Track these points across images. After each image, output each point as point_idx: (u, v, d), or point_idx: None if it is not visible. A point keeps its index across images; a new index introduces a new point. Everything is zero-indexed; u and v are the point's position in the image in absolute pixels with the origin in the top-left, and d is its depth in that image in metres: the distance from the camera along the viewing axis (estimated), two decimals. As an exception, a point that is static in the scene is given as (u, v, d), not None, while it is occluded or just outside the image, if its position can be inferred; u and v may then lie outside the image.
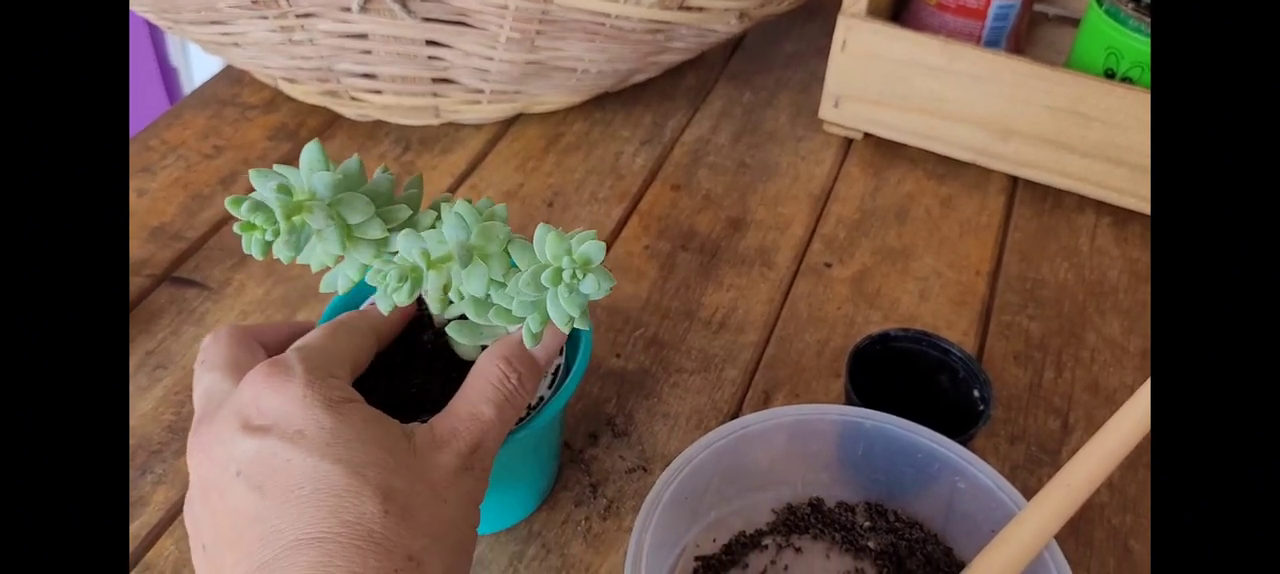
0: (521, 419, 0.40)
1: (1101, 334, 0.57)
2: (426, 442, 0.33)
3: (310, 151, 0.34)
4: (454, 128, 0.69)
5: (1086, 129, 0.61)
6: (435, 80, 0.65)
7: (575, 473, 0.48)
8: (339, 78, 0.65)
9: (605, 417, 0.51)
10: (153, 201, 0.62)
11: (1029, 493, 0.45)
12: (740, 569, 0.44)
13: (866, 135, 0.70)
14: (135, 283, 0.56)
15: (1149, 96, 0.58)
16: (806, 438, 0.45)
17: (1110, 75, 0.62)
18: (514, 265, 0.35)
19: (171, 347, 0.53)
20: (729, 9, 0.63)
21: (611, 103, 0.72)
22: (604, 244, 0.33)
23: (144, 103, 1.39)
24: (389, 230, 0.35)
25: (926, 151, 0.68)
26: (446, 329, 0.38)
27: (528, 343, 0.36)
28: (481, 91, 0.66)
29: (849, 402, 0.46)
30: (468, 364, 0.40)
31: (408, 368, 0.40)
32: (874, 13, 0.64)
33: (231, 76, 0.72)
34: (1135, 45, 0.61)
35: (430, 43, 0.61)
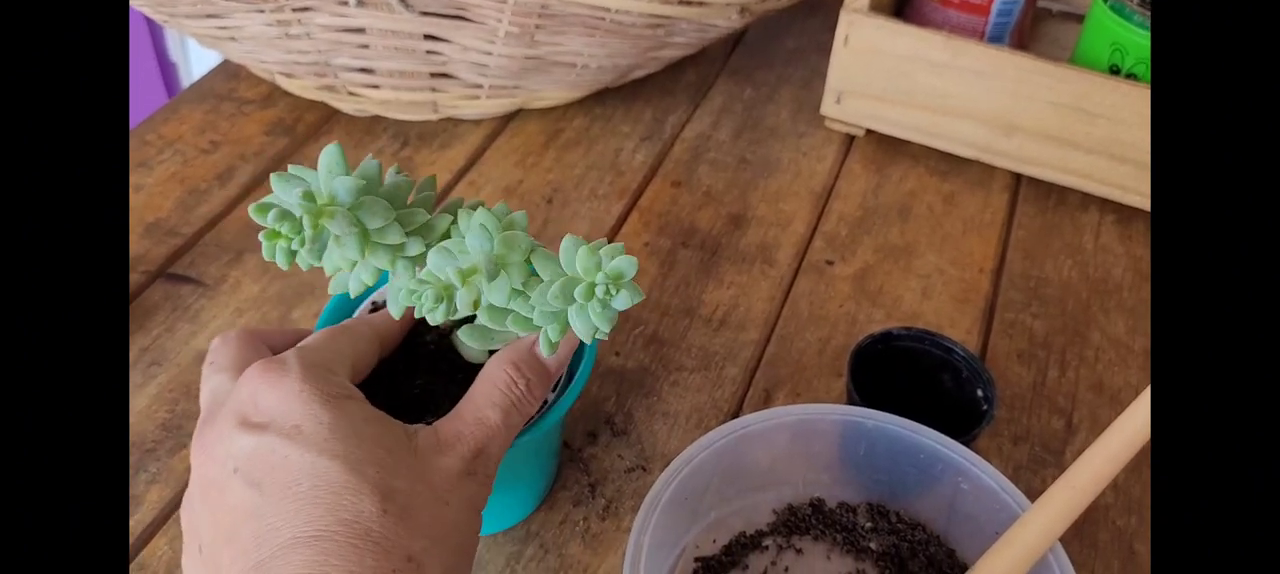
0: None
1: (1106, 333, 0.56)
2: (430, 444, 0.33)
3: (330, 155, 0.33)
4: (452, 123, 0.68)
5: (1091, 126, 0.61)
6: (433, 75, 0.64)
7: (574, 472, 0.48)
8: (336, 72, 0.64)
9: (604, 415, 0.50)
10: (148, 197, 0.61)
11: (1033, 493, 0.44)
12: (740, 570, 0.43)
13: (869, 131, 0.69)
14: (131, 279, 0.55)
15: (1154, 93, 0.57)
16: (808, 438, 0.44)
17: (1115, 71, 0.62)
18: (534, 273, 0.34)
19: (166, 344, 0.52)
20: (730, 4, 0.62)
21: (611, 98, 0.71)
22: (636, 260, 0.33)
23: (143, 97, 1.39)
24: (407, 235, 0.35)
25: (929, 148, 0.67)
26: (457, 333, 0.38)
27: (545, 352, 0.35)
28: (480, 86, 0.65)
29: (851, 401, 0.46)
30: (471, 366, 0.39)
31: (410, 369, 0.40)
32: (877, 8, 0.64)
33: (228, 71, 0.72)
34: (1140, 41, 0.60)
35: (428, 37, 0.61)
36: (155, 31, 1.39)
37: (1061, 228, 0.63)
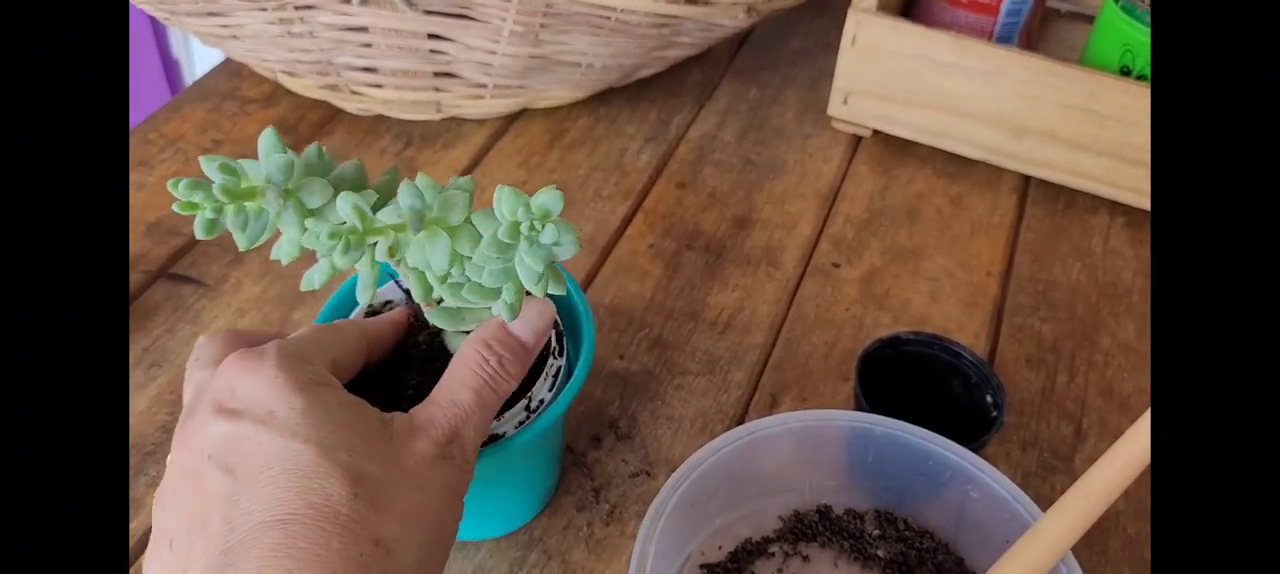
0: (521, 422, 0.39)
1: (1115, 337, 0.56)
2: (404, 429, 0.33)
3: (266, 138, 0.33)
4: (456, 123, 0.68)
5: (1101, 127, 0.60)
6: (437, 74, 0.64)
7: (577, 477, 0.47)
8: (339, 71, 0.64)
9: (608, 419, 0.50)
10: (150, 196, 0.61)
11: (1041, 500, 0.44)
12: (746, 578, 0.43)
13: (876, 132, 0.68)
14: (131, 279, 0.55)
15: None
16: (815, 444, 0.43)
17: (1125, 73, 0.61)
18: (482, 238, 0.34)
19: (167, 344, 0.52)
20: (736, 3, 0.62)
21: (616, 98, 0.70)
22: (561, 194, 0.32)
23: (146, 95, 1.38)
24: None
25: (937, 149, 0.67)
26: (429, 317, 0.37)
27: (506, 317, 0.35)
28: (484, 86, 0.65)
29: (858, 406, 0.45)
30: None
31: (403, 369, 0.39)
32: (884, 8, 0.63)
33: (231, 69, 0.71)
34: (1151, 42, 0.60)
35: (432, 36, 0.60)
36: (159, 29, 1.38)
37: (1071, 231, 0.62)
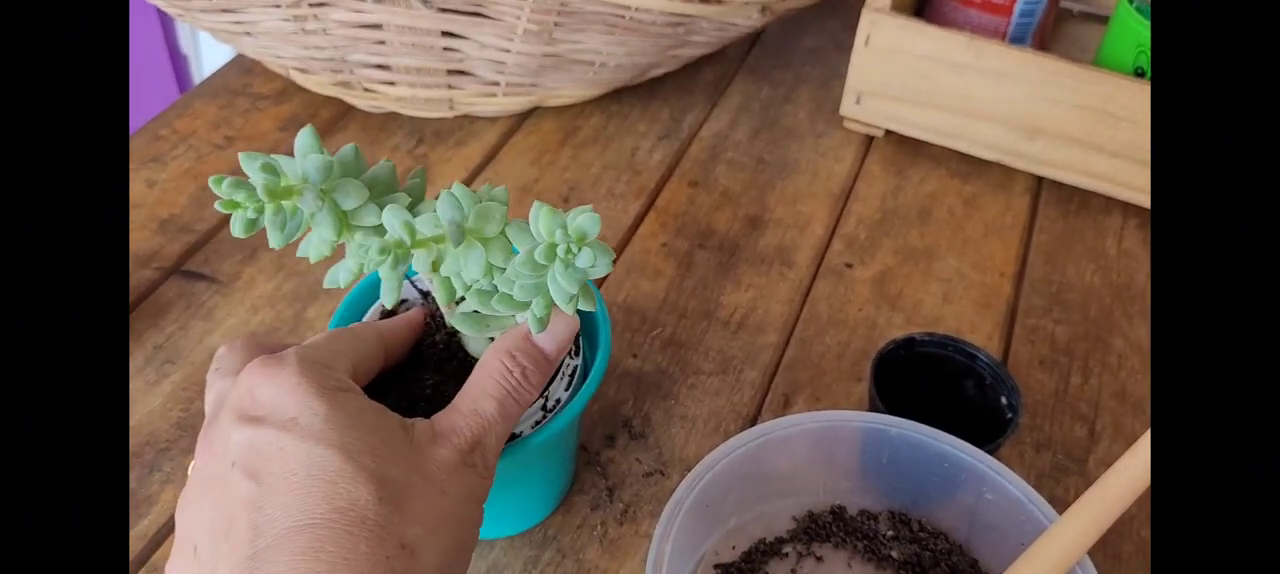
0: (538, 421, 0.39)
1: (1129, 339, 0.55)
2: (426, 435, 0.33)
3: (304, 137, 0.33)
4: (468, 120, 0.68)
5: (1115, 129, 0.60)
6: (450, 72, 0.64)
7: (591, 476, 0.47)
8: (352, 69, 0.64)
9: (622, 418, 0.50)
10: (162, 192, 0.61)
11: (1055, 502, 0.44)
12: (760, 578, 0.43)
13: (888, 132, 0.68)
14: (144, 276, 0.55)
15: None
16: (830, 444, 0.43)
17: (1140, 74, 0.61)
18: (515, 251, 0.34)
19: (180, 341, 0.52)
20: (750, 2, 0.62)
21: (629, 97, 0.70)
22: (598, 216, 0.32)
23: (154, 90, 1.38)
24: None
25: (950, 150, 0.66)
26: (452, 321, 0.37)
27: (534, 329, 0.35)
28: (497, 84, 0.65)
29: (873, 407, 0.45)
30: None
31: (419, 369, 0.39)
32: (898, 7, 0.63)
33: (243, 66, 0.71)
34: (1166, 44, 0.59)
35: (446, 33, 0.60)
36: (166, 23, 1.39)
37: (1084, 232, 0.62)
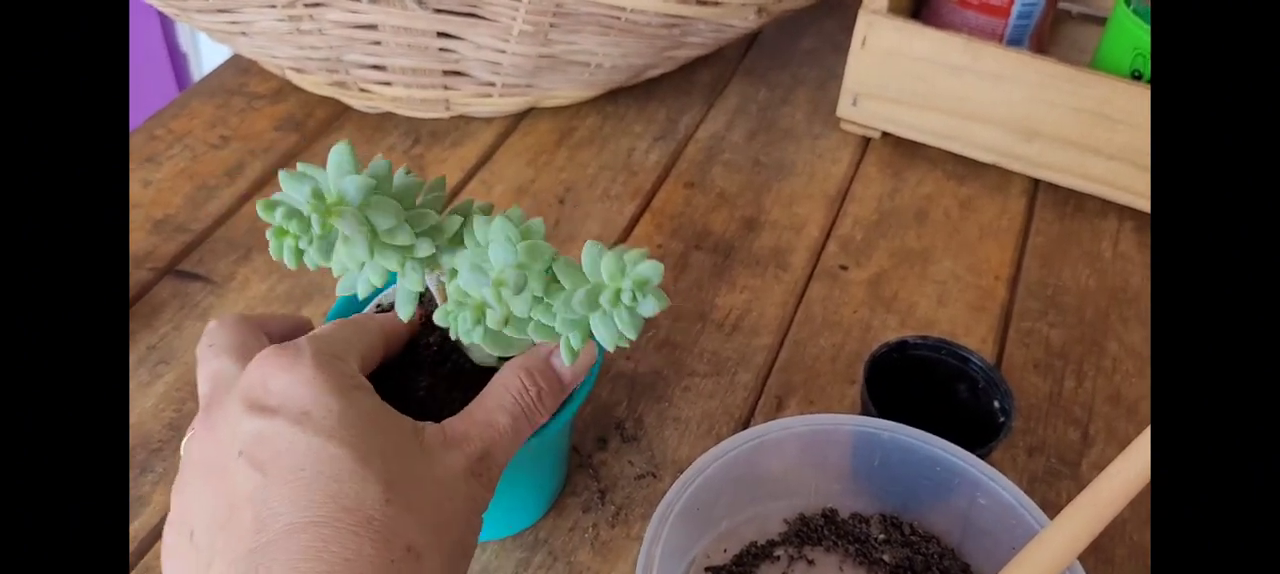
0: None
1: (1124, 343, 0.55)
2: (436, 440, 0.33)
3: (340, 153, 0.33)
4: (464, 121, 0.68)
5: (1112, 132, 0.60)
6: (446, 72, 0.64)
7: (583, 478, 0.47)
8: (348, 69, 0.64)
9: (615, 420, 0.50)
10: (157, 192, 0.61)
11: (1047, 506, 0.44)
12: (751, 581, 0.43)
13: (885, 134, 0.68)
14: (138, 276, 0.55)
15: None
16: (822, 448, 0.43)
17: (1137, 77, 0.61)
18: (554, 279, 0.34)
19: (174, 342, 0.52)
20: (747, 4, 0.62)
21: (625, 98, 0.70)
22: (661, 266, 0.32)
23: (153, 89, 1.38)
24: (416, 236, 0.34)
25: (946, 152, 0.66)
26: (473, 337, 0.37)
27: (566, 360, 0.35)
28: (493, 84, 0.65)
29: (865, 410, 0.45)
30: (476, 368, 0.39)
31: (414, 370, 0.39)
32: (895, 9, 0.63)
33: (239, 65, 0.71)
34: (1163, 46, 0.59)
35: (441, 34, 0.60)
36: (166, 22, 1.39)
37: (1080, 235, 0.62)
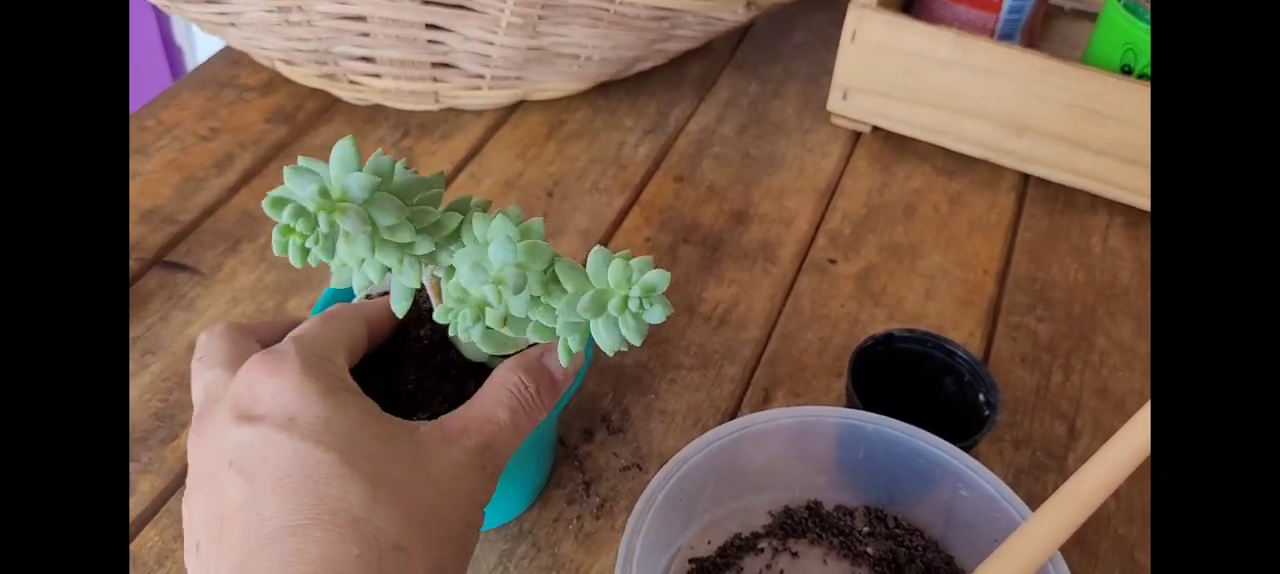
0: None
1: (1112, 337, 0.55)
2: (435, 436, 0.33)
3: (344, 148, 0.32)
4: (454, 113, 0.67)
5: (1102, 127, 0.60)
6: (435, 65, 0.63)
7: (568, 470, 0.47)
8: (337, 60, 0.63)
9: (601, 413, 0.50)
10: (146, 183, 0.61)
11: (1033, 499, 0.44)
12: (735, 572, 0.43)
13: (875, 129, 0.68)
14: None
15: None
16: (806, 440, 0.43)
17: (1127, 72, 0.61)
18: (553, 279, 0.34)
19: (161, 332, 0.52)
20: (736, -3, 0.61)
21: (615, 90, 0.70)
22: (668, 274, 0.32)
23: (148, 82, 1.38)
24: (416, 232, 0.34)
25: (936, 146, 0.66)
26: (471, 337, 0.37)
27: (564, 360, 0.35)
28: (482, 77, 0.65)
29: (850, 403, 0.45)
30: (466, 363, 0.39)
31: (403, 363, 0.39)
32: (885, 3, 0.63)
33: (230, 57, 0.71)
34: (1153, 41, 0.59)
35: (430, 26, 0.60)
36: (161, 16, 1.38)
37: (1069, 230, 0.62)
